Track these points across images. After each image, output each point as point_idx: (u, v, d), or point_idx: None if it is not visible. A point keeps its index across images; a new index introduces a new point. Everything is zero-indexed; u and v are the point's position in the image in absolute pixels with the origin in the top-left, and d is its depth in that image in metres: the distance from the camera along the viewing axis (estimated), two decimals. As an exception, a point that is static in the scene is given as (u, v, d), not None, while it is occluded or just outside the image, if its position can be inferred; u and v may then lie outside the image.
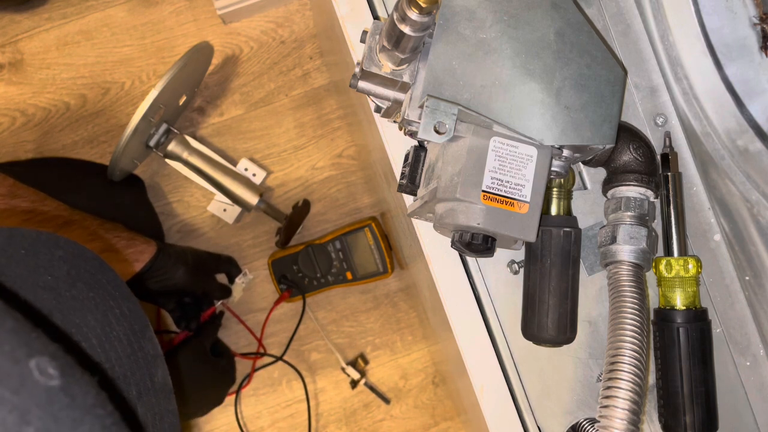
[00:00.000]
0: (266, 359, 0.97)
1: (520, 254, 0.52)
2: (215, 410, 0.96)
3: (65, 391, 0.28)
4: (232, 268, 0.94)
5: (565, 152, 0.44)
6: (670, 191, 0.51)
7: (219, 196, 0.94)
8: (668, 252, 0.50)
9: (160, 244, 0.77)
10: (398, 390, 0.99)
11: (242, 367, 0.97)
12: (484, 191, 0.41)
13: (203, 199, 0.98)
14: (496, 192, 0.41)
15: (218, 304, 0.93)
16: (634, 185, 0.49)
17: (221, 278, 0.94)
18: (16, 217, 0.62)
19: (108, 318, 0.41)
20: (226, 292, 0.92)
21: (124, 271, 0.73)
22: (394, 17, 0.39)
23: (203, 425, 0.97)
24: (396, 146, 0.53)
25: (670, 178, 0.51)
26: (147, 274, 0.75)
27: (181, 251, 0.81)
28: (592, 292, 0.52)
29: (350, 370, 0.96)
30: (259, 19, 1.00)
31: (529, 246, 0.50)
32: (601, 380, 0.45)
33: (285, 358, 0.96)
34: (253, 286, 0.98)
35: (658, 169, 0.51)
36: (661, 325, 0.49)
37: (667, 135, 0.53)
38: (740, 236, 0.52)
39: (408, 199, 0.52)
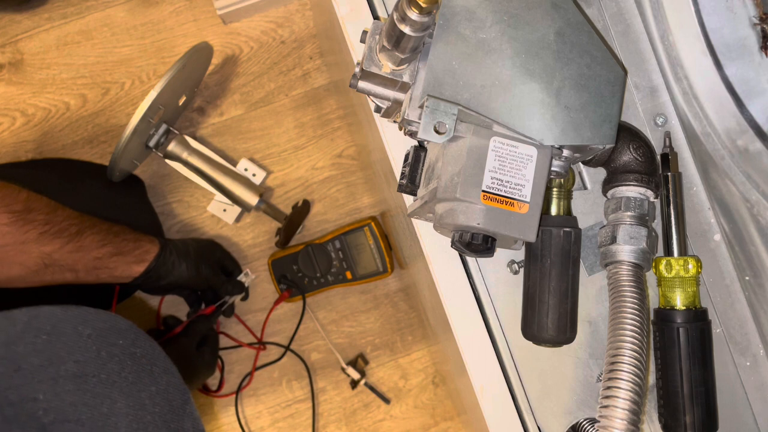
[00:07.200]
0: (271, 356, 0.97)
1: (520, 254, 0.52)
2: (216, 410, 0.96)
3: None
4: (235, 269, 0.93)
5: (565, 152, 0.44)
6: (670, 191, 0.51)
7: (219, 196, 0.94)
8: (668, 252, 0.50)
9: (162, 241, 0.79)
10: (398, 390, 0.99)
11: (242, 366, 0.97)
12: (484, 191, 0.41)
13: (203, 199, 0.98)
14: (496, 192, 0.41)
15: (230, 300, 0.91)
16: (634, 185, 0.49)
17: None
18: (35, 231, 0.63)
19: (142, 399, 0.39)
20: (238, 288, 0.91)
21: (130, 272, 0.75)
22: (394, 17, 0.39)
23: (204, 425, 0.97)
24: (396, 146, 0.53)
25: (670, 178, 0.51)
26: (152, 272, 0.76)
27: (182, 245, 0.83)
28: (592, 292, 0.52)
29: (350, 370, 0.96)
30: (259, 19, 1.00)
31: (529, 246, 0.50)
32: (601, 380, 0.45)
33: (286, 359, 0.96)
34: (253, 286, 0.98)
35: (658, 169, 0.51)
36: (661, 325, 0.49)
37: (667, 135, 0.53)
38: (740, 236, 0.52)
39: (408, 199, 0.52)
